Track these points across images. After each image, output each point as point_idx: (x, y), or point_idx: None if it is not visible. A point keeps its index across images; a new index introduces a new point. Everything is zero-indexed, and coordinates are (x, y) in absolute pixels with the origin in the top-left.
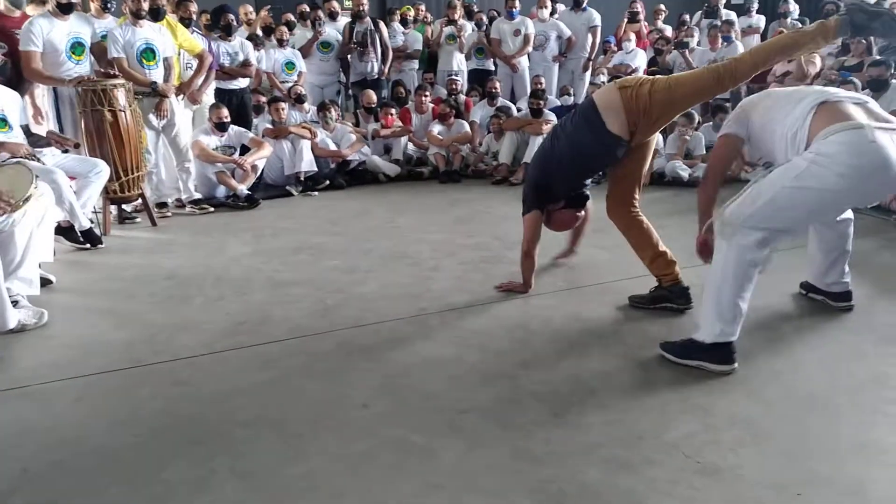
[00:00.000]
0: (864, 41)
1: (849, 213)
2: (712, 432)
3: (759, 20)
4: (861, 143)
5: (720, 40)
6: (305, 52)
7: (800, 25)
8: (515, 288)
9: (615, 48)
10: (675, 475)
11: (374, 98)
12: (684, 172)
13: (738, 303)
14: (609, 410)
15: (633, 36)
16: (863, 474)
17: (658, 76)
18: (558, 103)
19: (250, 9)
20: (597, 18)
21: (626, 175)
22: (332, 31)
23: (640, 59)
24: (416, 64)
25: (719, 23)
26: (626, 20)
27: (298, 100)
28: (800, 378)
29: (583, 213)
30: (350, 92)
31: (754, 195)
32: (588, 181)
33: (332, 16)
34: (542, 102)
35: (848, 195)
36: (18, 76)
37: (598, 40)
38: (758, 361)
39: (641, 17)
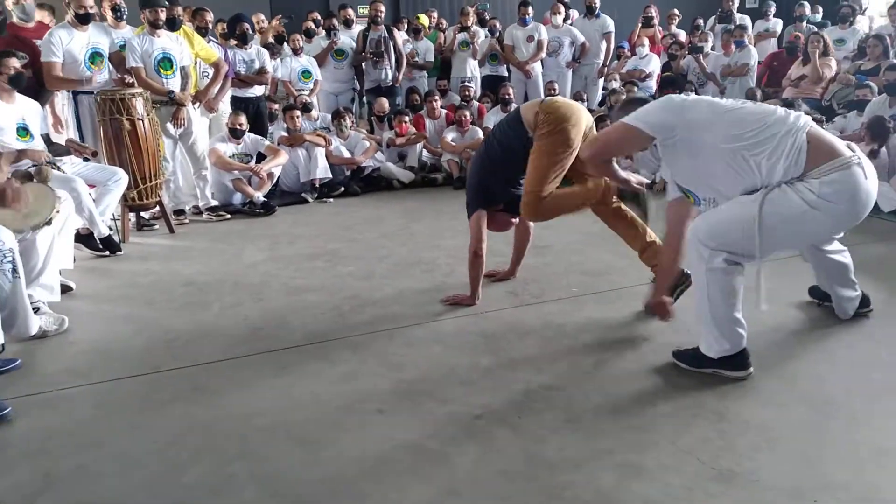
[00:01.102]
0: (881, 44)
1: (838, 244)
2: (727, 438)
3: (776, 24)
4: (859, 183)
5: (733, 45)
6: (320, 60)
7: (815, 29)
8: (462, 301)
9: (629, 53)
10: (690, 481)
11: (386, 106)
12: None
13: (735, 315)
14: (623, 416)
15: (646, 41)
16: (880, 481)
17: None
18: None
19: (262, 17)
20: (610, 25)
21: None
22: (347, 39)
23: (653, 64)
24: (425, 73)
25: (733, 28)
26: (640, 25)
27: (305, 108)
28: (816, 383)
29: (517, 220)
30: (364, 99)
31: (732, 220)
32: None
33: (347, 23)
34: None
35: (833, 229)
36: (39, 86)
37: (611, 46)
38: (773, 367)
39: (656, 21)
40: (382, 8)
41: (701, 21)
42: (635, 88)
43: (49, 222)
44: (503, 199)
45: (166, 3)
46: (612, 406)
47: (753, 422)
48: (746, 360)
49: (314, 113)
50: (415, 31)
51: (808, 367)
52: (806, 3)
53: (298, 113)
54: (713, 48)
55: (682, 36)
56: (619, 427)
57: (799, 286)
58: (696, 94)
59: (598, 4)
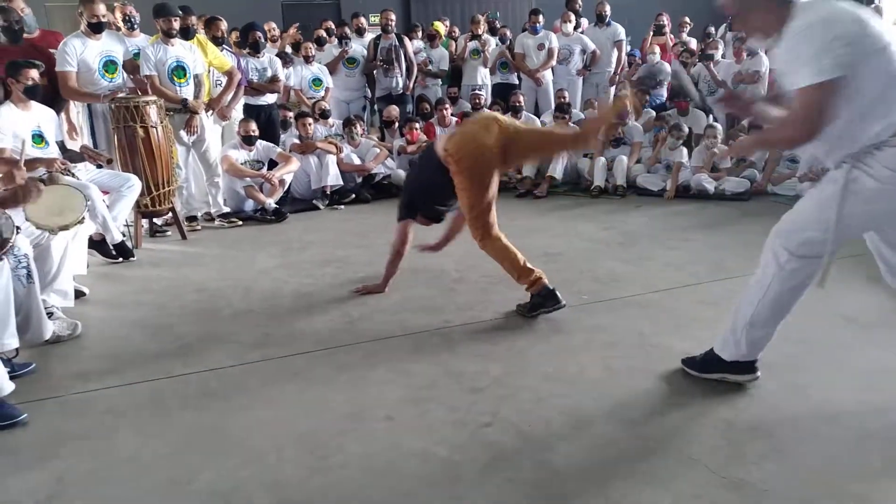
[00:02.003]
0: None
1: None
2: (736, 447)
3: None
4: None
5: (745, 53)
6: (332, 68)
7: None
8: (372, 290)
9: (640, 61)
10: (699, 489)
11: (394, 113)
12: (710, 185)
13: (773, 329)
14: (632, 424)
15: (657, 49)
16: (890, 491)
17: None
18: (582, 116)
19: (274, 25)
20: (621, 33)
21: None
22: (359, 47)
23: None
24: (438, 81)
25: (744, 35)
26: (651, 33)
27: (322, 115)
28: (826, 393)
29: (432, 223)
30: (375, 107)
31: (815, 216)
32: (447, 208)
33: (359, 31)
34: (567, 116)
35: None
36: (55, 93)
37: (623, 55)
38: (783, 376)
39: (667, 29)
40: (393, 16)
41: (712, 29)
42: (644, 97)
43: (81, 221)
44: (430, 213)
45: (180, 12)
46: (621, 414)
47: (763, 431)
48: (754, 364)
49: (331, 119)
50: (430, 38)
51: (819, 377)
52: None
53: (311, 120)
54: (724, 56)
55: (694, 44)
56: (628, 435)
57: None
58: (706, 102)
59: (608, 13)
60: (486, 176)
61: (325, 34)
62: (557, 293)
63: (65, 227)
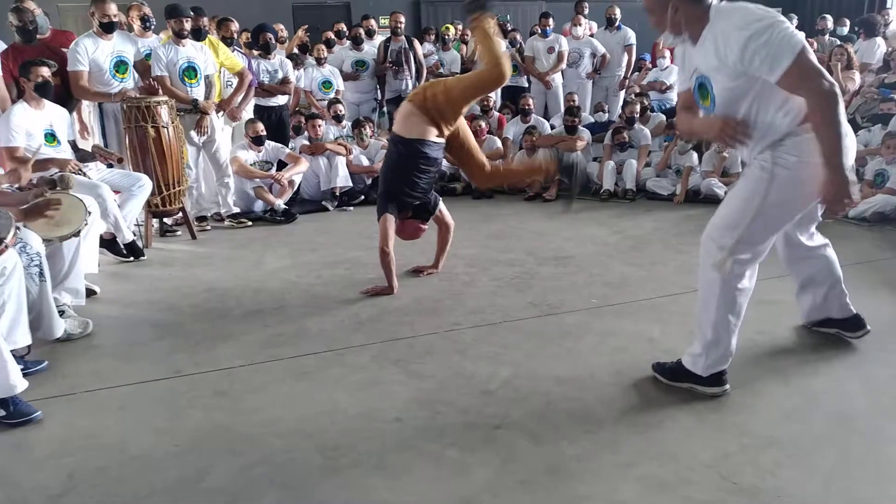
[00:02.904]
0: None
1: (821, 239)
2: (749, 453)
3: None
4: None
5: None
6: (346, 76)
7: (838, 42)
8: (381, 291)
9: (650, 65)
10: (711, 496)
11: None
12: (720, 190)
13: (731, 336)
14: (643, 428)
15: (667, 53)
16: None
17: (437, 80)
18: (592, 120)
19: (283, 27)
20: (632, 37)
21: (466, 155)
22: (370, 49)
23: (674, 76)
24: None
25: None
26: (661, 38)
27: (336, 118)
28: (839, 399)
29: (425, 226)
30: (385, 109)
31: (737, 213)
32: (429, 188)
33: (369, 34)
34: (576, 120)
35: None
36: (67, 93)
37: (633, 58)
38: (796, 382)
39: None
40: (403, 19)
41: None
42: (646, 101)
43: (77, 234)
44: (408, 204)
45: (191, 13)
46: (632, 418)
47: (776, 437)
48: (723, 376)
49: (344, 121)
50: (441, 42)
51: (832, 383)
52: (828, 17)
53: (321, 122)
54: None
55: None
56: (639, 439)
57: None
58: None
59: (618, 16)
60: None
61: (334, 36)
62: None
63: (64, 238)
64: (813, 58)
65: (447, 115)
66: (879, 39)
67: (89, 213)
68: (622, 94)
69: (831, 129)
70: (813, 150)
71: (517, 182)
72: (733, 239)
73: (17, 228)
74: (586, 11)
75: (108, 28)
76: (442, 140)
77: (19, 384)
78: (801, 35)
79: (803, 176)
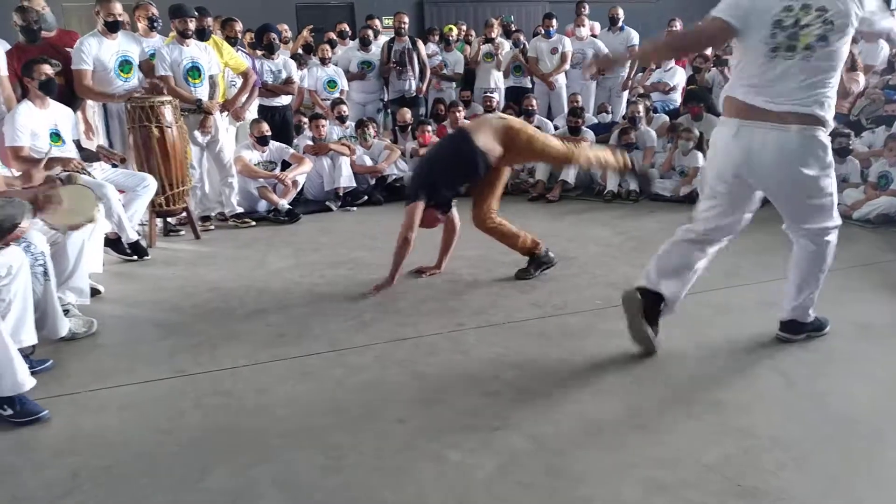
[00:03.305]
0: None
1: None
2: (751, 454)
3: None
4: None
5: None
6: (351, 76)
7: None
8: (382, 286)
9: (653, 66)
10: (713, 498)
11: (408, 116)
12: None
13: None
14: (645, 431)
15: None
16: None
17: (529, 125)
18: (596, 121)
19: (287, 27)
20: (635, 38)
21: (484, 192)
22: (375, 50)
23: (678, 77)
24: (453, 84)
25: None
26: None
27: (340, 118)
28: (841, 401)
29: (445, 218)
30: (388, 109)
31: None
32: (460, 188)
33: (376, 34)
34: (580, 121)
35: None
36: (72, 93)
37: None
38: (800, 383)
39: None
40: (406, 19)
41: None
42: (648, 102)
43: (92, 220)
44: (442, 199)
45: (196, 13)
46: (634, 420)
47: (779, 439)
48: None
49: (347, 122)
50: (445, 42)
51: (834, 385)
52: None
53: (325, 122)
54: None
55: (708, 49)
56: (641, 441)
57: (828, 304)
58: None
59: (621, 16)
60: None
61: (335, 36)
62: (550, 253)
63: (74, 227)
64: None
65: (513, 153)
66: (883, 41)
67: (99, 198)
68: (625, 94)
69: None
70: None
71: (508, 242)
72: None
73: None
74: (586, 11)
75: (113, 27)
76: (492, 163)
77: (27, 382)
78: None
79: None
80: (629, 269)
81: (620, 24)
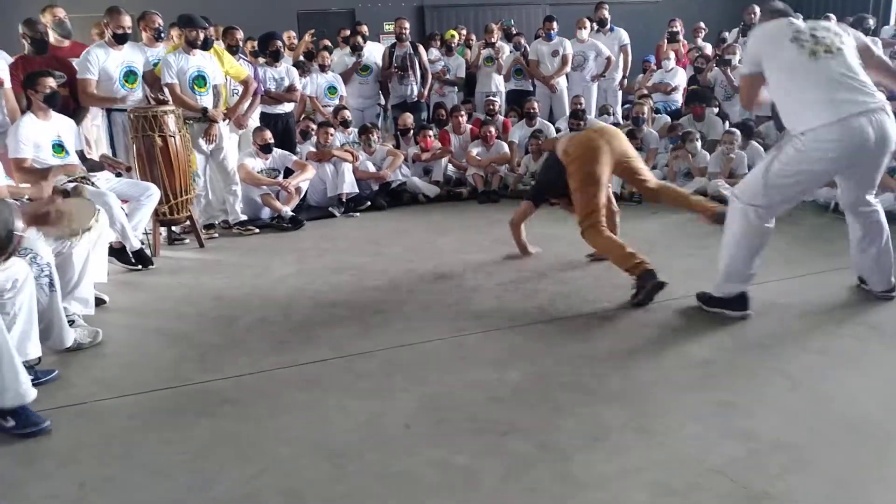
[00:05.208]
0: None
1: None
2: (758, 457)
3: None
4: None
5: None
6: (346, 78)
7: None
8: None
9: (654, 67)
10: (720, 501)
11: (409, 121)
12: (727, 192)
13: (752, 264)
14: (651, 434)
15: (672, 54)
16: None
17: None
18: (598, 123)
19: (293, 34)
20: (625, 37)
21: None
22: (371, 55)
23: (679, 78)
24: (455, 88)
25: None
26: (666, 40)
27: (344, 123)
28: (849, 403)
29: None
30: (389, 114)
31: (758, 174)
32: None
33: (364, 39)
34: (582, 123)
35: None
36: (76, 104)
37: (629, 59)
38: (805, 386)
39: (681, 36)
40: (407, 25)
41: (727, 34)
42: (651, 101)
43: (88, 229)
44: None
45: (206, 23)
46: (640, 424)
47: (785, 442)
48: (746, 302)
49: (350, 127)
50: (447, 48)
51: (839, 387)
52: (832, 17)
53: (332, 130)
54: (741, 61)
55: (709, 49)
56: (647, 445)
57: (833, 304)
58: (721, 107)
59: (608, 16)
60: (593, 180)
61: (329, 43)
62: (656, 273)
63: (73, 235)
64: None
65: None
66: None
67: (98, 210)
68: (620, 95)
69: None
70: None
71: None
72: None
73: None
74: (607, 14)
75: (121, 39)
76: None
77: (30, 393)
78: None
79: None
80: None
81: (609, 25)
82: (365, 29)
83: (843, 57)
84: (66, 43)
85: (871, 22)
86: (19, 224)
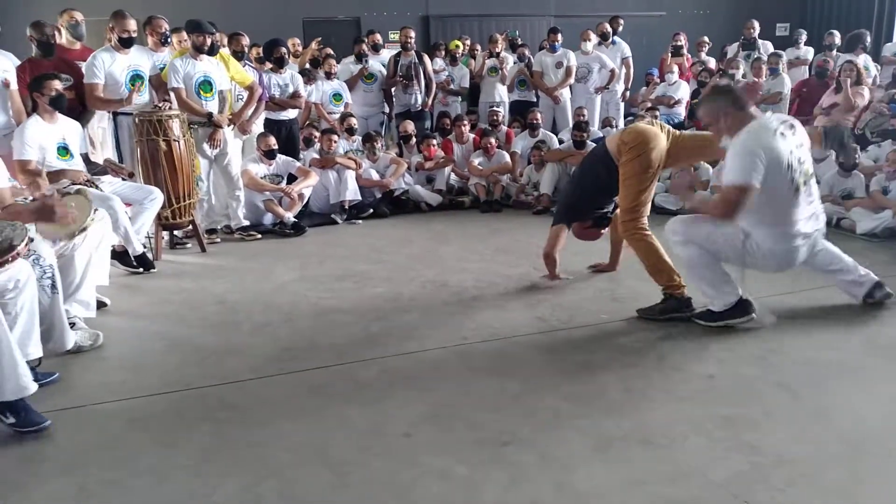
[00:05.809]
0: None
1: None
2: (760, 471)
3: (807, 52)
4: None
5: (765, 72)
6: (350, 86)
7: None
8: (551, 277)
9: (657, 80)
10: None
11: (410, 128)
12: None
13: (724, 276)
14: (652, 446)
15: (675, 68)
16: None
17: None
18: (601, 135)
19: (298, 41)
20: (627, 49)
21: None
22: (376, 63)
23: (682, 91)
24: (459, 98)
25: (757, 54)
26: (669, 54)
27: (349, 130)
28: (851, 418)
29: (604, 231)
30: (393, 122)
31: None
32: (610, 204)
33: (376, 48)
34: (585, 134)
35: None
36: (82, 107)
37: (631, 72)
38: (808, 401)
39: (685, 50)
40: (413, 34)
41: (728, 48)
42: (657, 112)
43: (84, 230)
44: (589, 217)
45: (213, 29)
46: (642, 435)
47: (788, 456)
48: (749, 307)
49: (355, 135)
50: (452, 58)
51: (844, 402)
52: (836, 32)
53: (336, 137)
54: (744, 76)
55: (712, 63)
56: (649, 457)
57: (835, 320)
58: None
59: (609, 30)
60: (650, 168)
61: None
62: (692, 303)
63: (72, 235)
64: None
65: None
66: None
67: (95, 209)
68: (622, 107)
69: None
70: None
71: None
72: None
73: (31, 240)
74: (621, 25)
75: (127, 43)
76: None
77: (30, 386)
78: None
79: None
80: (635, 283)
81: (611, 38)
82: (378, 37)
83: (810, 186)
84: (78, 45)
85: (868, 39)
86: (21, 246)
